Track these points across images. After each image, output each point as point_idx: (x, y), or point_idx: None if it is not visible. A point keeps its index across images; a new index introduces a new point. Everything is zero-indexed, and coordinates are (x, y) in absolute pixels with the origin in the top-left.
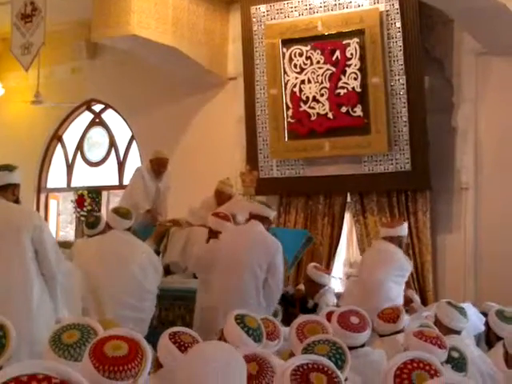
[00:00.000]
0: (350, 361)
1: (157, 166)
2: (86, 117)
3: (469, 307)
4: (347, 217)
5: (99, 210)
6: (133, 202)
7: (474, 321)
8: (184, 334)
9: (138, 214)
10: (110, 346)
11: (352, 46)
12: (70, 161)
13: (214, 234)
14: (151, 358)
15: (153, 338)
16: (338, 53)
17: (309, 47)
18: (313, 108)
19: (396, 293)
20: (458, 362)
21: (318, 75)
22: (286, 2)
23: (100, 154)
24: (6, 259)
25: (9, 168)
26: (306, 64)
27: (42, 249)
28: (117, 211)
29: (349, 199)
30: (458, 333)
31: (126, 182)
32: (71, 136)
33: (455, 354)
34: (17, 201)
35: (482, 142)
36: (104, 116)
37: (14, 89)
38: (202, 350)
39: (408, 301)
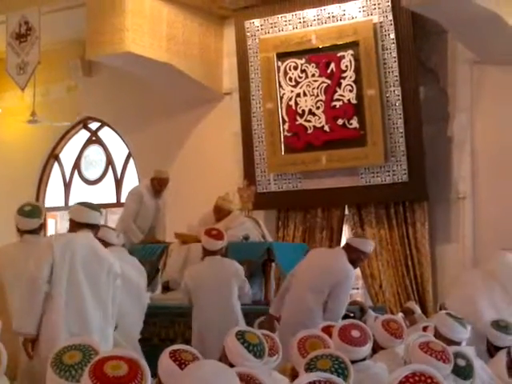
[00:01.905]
0: (353, 375)
1: (158, 185)
2: (83, 135)
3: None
4: (345, 229)
5: None
6: (124, 226)
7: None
8: (184, 351)
9: (129, 237)
10: (110, 365)
11: (347, 58)
12: (68, 179)
13: (207, 252)
14: (150, 377)
15: (153, 355)
16: (332, 65)
17: (303, 60)
18: (309, 121)
19: None
20: (464, 370)
21: (314, 88)
22: (279, 16)
23: (97, 172)
24: None
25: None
26: (301, 77)
27: None
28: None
29: (347, 212)
30: (458, 344)
31: (123, 199)
32: (68, 155)
33: (461, 363)
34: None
35: (479, 151)
36: (100, 134)
37: (10, 108)
38: (199, 367)
39: (409, 312)
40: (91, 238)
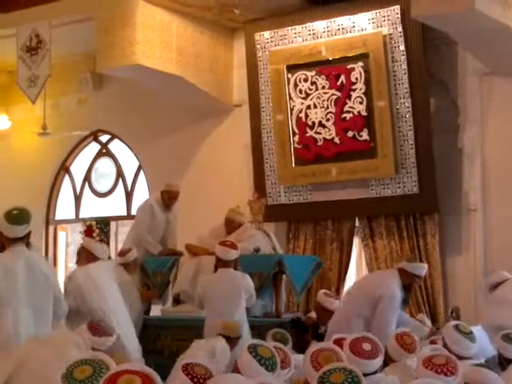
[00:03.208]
0: None
1: (168, 198)
2: (93, 148)
3: (478, 331)
4: (356, 241)
5: (108, 241)
6: (140, 238)
7: (483, 345)
8: (197, 365)
9: (144, 248)
10: (124, 380)
11: (356, 71)
12: (78, 192)
13: (221, 263)
14: None
15: (164, 368)
16: (342, 77)
17: (313, 72)
18: (319, 133)
19: None
20: None
21: (324, 100)
22: (289, 28)
23: (108, 185)
24: None
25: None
26: (311, 89)
27: None
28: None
29: (357, 223)
30: (466, 359)
31: (133, 212)
32: (79, 167)
33: None
34: (28, 244)
35: (489, 163)
36: (111, 146)
37: (20, 121)
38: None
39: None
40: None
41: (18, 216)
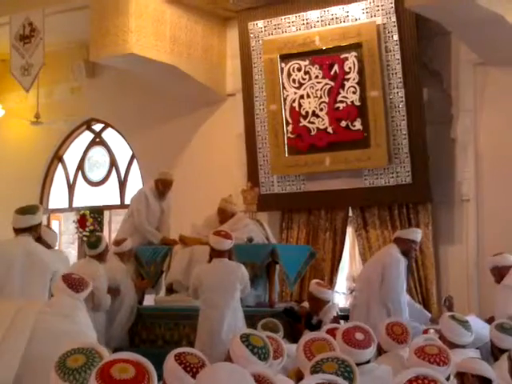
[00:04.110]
0: (359, 378)
1: (162, 187)
2: (87, 136)
3: (473, 319)
4: (349, 231)
5: (101, 230)
6: (136, 225)
7: (478, 333)
8: (189, 354)
9: (143, 237)
10: (117, 368)
11: (350, 60)
12: (72, 181)
13: (215, 253)
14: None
15: (158, 357)
16: (336, 67)
17: (307, 62)
18: (312, 123)
19: None
20: None
21: (317, 90)
22: (283, 18)
23: (101, 174)
24: None
25: (32, 211)
26: (304, 79)
27: None
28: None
29: (350, 213)
30: (462, 347)
31: (127, 201)
32: (72, 156)
33: None
34: (39, 238)
35: (482, 153)
36: (104, 135)
37: (13, 109)
38: (214, 372)
39: None
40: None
41: (24, 207)
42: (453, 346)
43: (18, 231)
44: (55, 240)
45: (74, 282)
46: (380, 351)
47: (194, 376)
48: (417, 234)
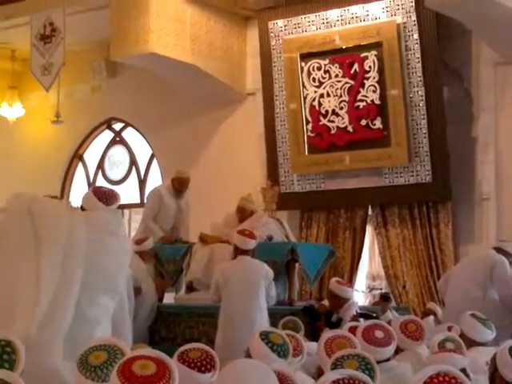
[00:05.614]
0: (379, 375)
1: (178, 185)
2: (107, 135)
3: None
4: (369, 230)
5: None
6: (145, 225)
7: None
8: (192, 350)
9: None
10: (138, 365)
11: (370, 59)
12: (92, 180)
13: (239, 251)
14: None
15: None
16: (356, 66)
17: (327, 61)
18: (332, 121)
19: None
20: None
21: (337, 89)
22: (303, 17)
23: (121, 173)
24: None
25: None
26: (324, 78)
27: None
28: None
29: (370, 212)
30: (483, 345)
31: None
32: (92, 155)
33: None
34: None
35: (503, 152)
36: (124, 134)
37: (34, 109)
38: (236, 368)
39: (431, 313)
40: None
41: None
42: (473, 343)
43: None
44: None
45: (103, 195)
46: (397, 350)
47: (200, 370)
48: None
